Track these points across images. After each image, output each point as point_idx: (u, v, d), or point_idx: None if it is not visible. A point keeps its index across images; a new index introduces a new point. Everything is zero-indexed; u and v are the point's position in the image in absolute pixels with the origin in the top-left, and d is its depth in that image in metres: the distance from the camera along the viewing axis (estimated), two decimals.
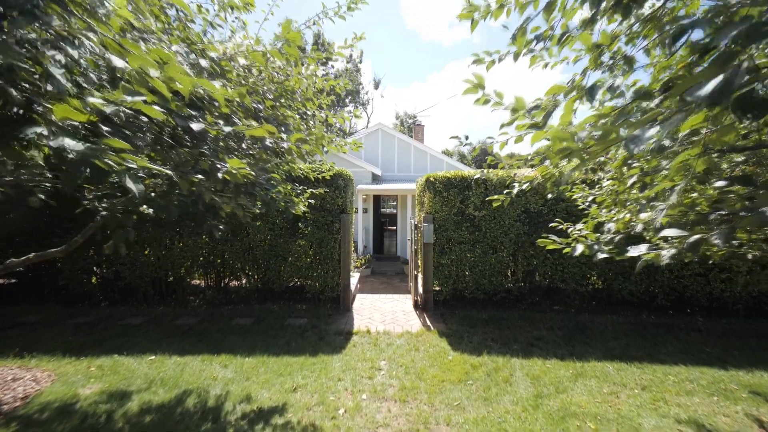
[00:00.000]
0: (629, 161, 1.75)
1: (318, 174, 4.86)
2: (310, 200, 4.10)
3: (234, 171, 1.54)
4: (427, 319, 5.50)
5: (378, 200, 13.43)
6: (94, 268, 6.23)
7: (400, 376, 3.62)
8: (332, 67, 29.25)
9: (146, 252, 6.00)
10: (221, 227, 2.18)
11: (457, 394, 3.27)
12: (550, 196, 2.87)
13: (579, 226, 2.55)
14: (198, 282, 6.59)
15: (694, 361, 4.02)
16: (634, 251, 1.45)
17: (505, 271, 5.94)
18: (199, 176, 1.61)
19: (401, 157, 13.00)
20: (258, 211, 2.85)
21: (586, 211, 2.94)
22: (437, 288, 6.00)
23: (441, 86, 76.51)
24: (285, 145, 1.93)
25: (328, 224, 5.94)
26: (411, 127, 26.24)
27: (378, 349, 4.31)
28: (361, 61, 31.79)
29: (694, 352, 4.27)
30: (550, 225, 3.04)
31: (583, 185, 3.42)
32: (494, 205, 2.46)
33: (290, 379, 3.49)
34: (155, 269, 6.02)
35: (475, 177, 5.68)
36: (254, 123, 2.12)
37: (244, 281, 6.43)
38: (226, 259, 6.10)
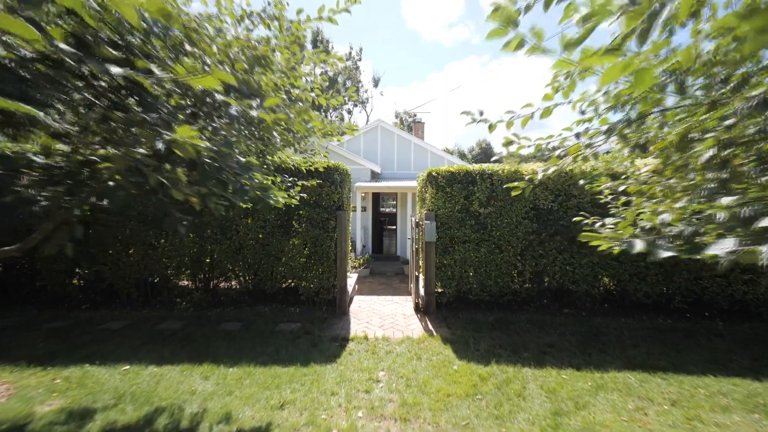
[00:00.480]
0: (691, 135, 1.38)
1: (310, 165, 4.48)
2: (302, 194, 3.72)
3: (181, 140, 1.17)
4: (429, 323, 5.13)
5: (377, 199, 13.06)
6: (76, 268, 5.85)
7: (400, 389, 3.25)
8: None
9: (130, 251, 5.62)
10: (185, 222, 1.81)
11: (464, 411, 2.90)
12: (582, 182, 2.51)
13: (609, 220, 2.19)
14: (186, 283, 6.20)
15: (723, 371, 3.66)
16: (714, 248, 1.08)
17: (512, 271, 5.56)
18: (142, 150, 1.25)
19: (401, 154, 12.63)
20: (245, 205, 2.48)
21: (609, 205, 2.58)
22: (440, 290, 5.63)
23: (442, 85, 76.22)
24: (254, 113, 1.55)
25: (323, 221, 5.57)
26: (411, 126, 25.89)
27: (376, 357, 3.94)
28: (360, 59, 31.48)
29: (721, 360, 3.91)
30: (574, 219, 2.67)
31: (606, 176, 3.05)
32: (513, 193, 2.09)
33: (278, 394, 3.12)
34: (139, 270, 5.64)
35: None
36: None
37: (234, 282, 6.05)
38: (215, 259, 5.71)
